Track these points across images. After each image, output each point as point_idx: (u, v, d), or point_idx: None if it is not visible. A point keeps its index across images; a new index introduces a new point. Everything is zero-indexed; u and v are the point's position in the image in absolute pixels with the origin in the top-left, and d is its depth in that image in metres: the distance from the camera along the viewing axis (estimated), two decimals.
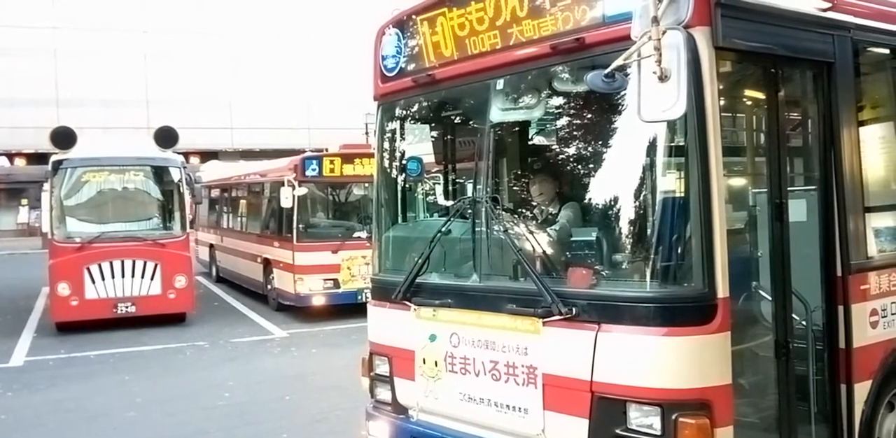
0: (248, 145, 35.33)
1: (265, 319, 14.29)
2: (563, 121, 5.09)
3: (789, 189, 4.47)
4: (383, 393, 5.20)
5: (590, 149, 4.76)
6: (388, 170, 5.70)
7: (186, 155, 17.26)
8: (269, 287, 15.30)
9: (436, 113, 5.56)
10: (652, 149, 3.97)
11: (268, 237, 15.25)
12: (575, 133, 4.93)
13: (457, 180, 5.64)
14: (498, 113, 4.79)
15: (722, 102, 4.03)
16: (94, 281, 13.17)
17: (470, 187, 4.98)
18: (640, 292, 3.96)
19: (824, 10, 4.42)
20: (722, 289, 3.82)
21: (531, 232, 4.58)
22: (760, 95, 4.44)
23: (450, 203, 5.47)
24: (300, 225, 13.78)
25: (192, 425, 7.87)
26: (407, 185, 5.72)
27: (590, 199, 4.58)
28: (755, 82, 4.54)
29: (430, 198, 5.69)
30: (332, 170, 13.93)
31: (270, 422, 7.73)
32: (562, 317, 4.10)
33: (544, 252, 4.49)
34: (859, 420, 4.50)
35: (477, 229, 4.72)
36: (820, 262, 4.53)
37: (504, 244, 4.57)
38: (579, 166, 4.76)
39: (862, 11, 4.73)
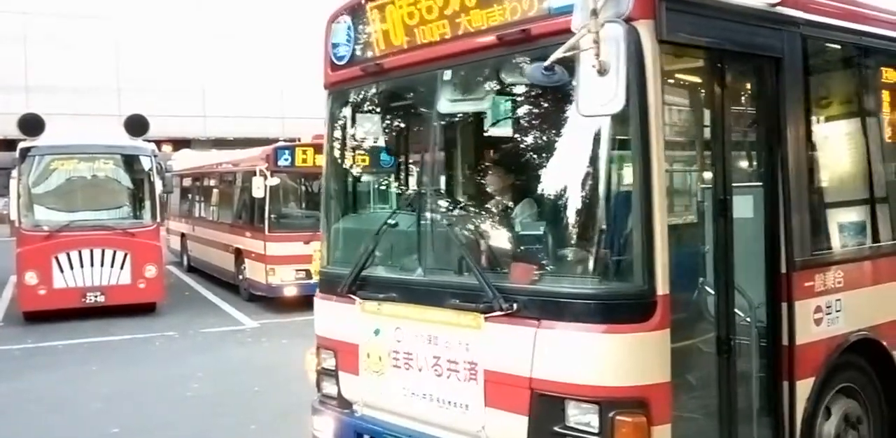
0: (221, 134, 35.00)
1: (236, 309, 14.22)
2: (510, 113, 5.05)
3: (736, 185, 4.44)
4: (329, 388, 5.16)
5: (535, 142, 4.71)
6: (338, 161, 5.63)
7: (158, 143, 17.13)
8: (240, 277, 15.23)
9: (385, 103, 5.48)
10: (593, 143, 3.92)
11: (240, 227, 15.16)
12: (521, 126, 4.88)
13: (406, 172, 5.57)
14: (445, 104, 4.73)
15: (666, 97, 3.99)
16: (62, 271, 13.06)
17: (427, 179, 4.89)
18: (579, 288, 3.93)
19: (773, 5, 4.38)
20: (662, 286, 3.79)
21: (476, 226, 4.55)
22: (706, 90, 4.39)
23: (398, 195, 5.41)
24: (272, 216, 13.71)
25: (160, 416, 7.82)
26: (357, 176, 5.64)
27: (534, 194, 4.55)
28: (701, 77, 4.50)
29: (380, 189, 5.60)
30: (304, 161, 13.86)
31: (239, 414, 7.68)
32: (503, 313, 4.07)
33: (489, 246, 4.45)
34: (801, 417, 4.49)
35: (422, 222, 4.68)
36: (764, 259, 4.50)
37: (448, 237, 4.53)
38: (525, 160, 4.70)
39: (812, 7, 4.69)
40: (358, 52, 5.14)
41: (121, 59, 34.99)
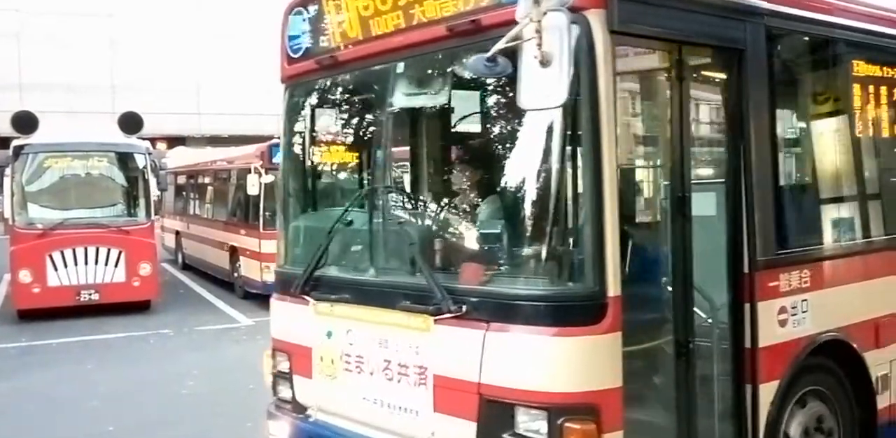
0: (216, 131, 34.77)
1: (231, 307, 14.16)
2: (464, 108, 4.90)
3: (697, 182, 4.31)
4: (284, 392, 5.03)
5: (486, 139, 4.60)
6: (293, 157, 5.50)
7: (153, 140, 17.10)
8: (235, 274, 15.17)
9: (340, 97, 5.33)
10: (542, 140, 3.79)
11: (234, 224, 15.10)
12: (474, 122, 4.75)
13: (361, 168, 5.40)
14: (398, 98, 4.60)
15: (621, 90, 3.86)
16: (56, 269, 13.03)
17: (378, 176, 4.71)
18: (528, 290, 3.80)
19: None
20: (613, 288, 3.66)
21: (428, 225, 4.42)
22: (664, 83, 4.24)
23: (352, 193, 5.24)
24: (267, 213, 13.58)
25: (156, 414, 7.76)
26: (313, 173, 5.50)
27: (484, 192, 4.41)
28: (658, 69, 4.35)
29: (337, 186, 5.45)
30: None
31: (235, 411, 7.58)
32: (451, 315, 3.94)
33: (440, 245, 4.32)
34: (764, 421, 4.33)
35: (374, 220, 4.56)
36: (726, 258, 4.35)
37: (399, 237, 4.41)
38: (476, 156, 4.59)
39: None
40: (313, 45, 5.00)
41: (115, 57, 34.84)
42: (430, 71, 4.56)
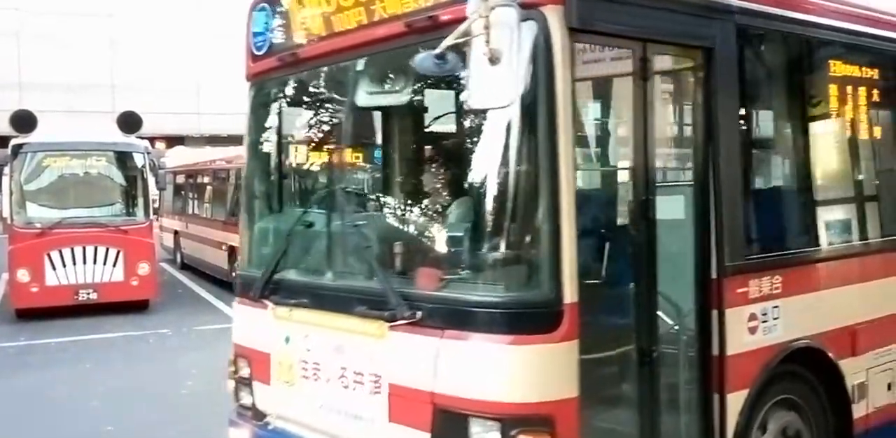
0: (216, 131, 34.51)
1: (230, 307, 14.00)
2: (424, 107, 4.78)
3: (665, 184, 4.18)
4: (245, 398, 4.93)
5: (444, 139, 4.49)
6: (257, 157, 5.39)
7: (152, 140, 17.07)
8: (234, 274, 15.07)
9: (303, 96, 5.21)
10: (498, 140, 3.65)
11: (233, 224, 15.00)
12: (433, 122, 4.62)
13: (321, 169, 5.23)
14: (359, 97, 4.49)
15: (583, 89, 3.74)
16: (54, 268, 13.01)
17: (336, 177, 4.62)
18: (482, 297, 3.67)
19: None
20: (570, 294, 3.54)
21: (387, 228, 4.31)
22: (628, 82, 4.08)
23: (312, 193, 5.13)
24: None
25: (156, 414, 7.71)
26: (276, 173, 5.36)
27: (442, 194, 4.30)
28: (622, 68, 4.20)
29: (299, 187, 5.32)
30: None
31: None
32: (406, 322, 3.82)
33: (398, 249, 4.17)
34: (732, 432, 4.20)
35: (332, 223, 4.45)
36: (694, 263, 4.22)
37: (356, 239, 4.30)
38: (434, 158, 4.48)
39: None
40: (276, 42, 4.90)
41: (115, 57, 34.89)
42: (389, 69, 4.46)
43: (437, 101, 4.59)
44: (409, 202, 4.71)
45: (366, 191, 4.91)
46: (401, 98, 4.62)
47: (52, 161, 13.51)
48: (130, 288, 13.42)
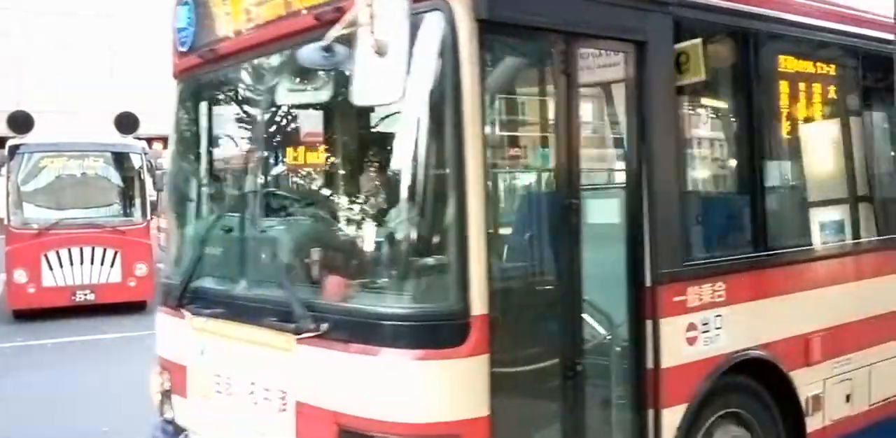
0: None
1: None
2: (338, 105, 4.51)
3: (599, 186, 3.96)
4: (169, 412, 4.75)
5: (354, 140, 4.27)
6: (181, 159, 5.21)
7: (150, 141, 16.98)
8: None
9: (225, 94, 5.02)
10: (406, 141, 3.46)
11: None
12: (346, 121, 4.39)
13: (239, 171, 5.00)
14: (277, 94, 4.30)
15: (499, 85, 3.54)
16: (51, 269, 12.97)
17: (250, 179, 4.38)
18: (387, 308, 3.46)
19: None
20: (479, 305, 3.32)
21: (300, 234, 4.11)
22: (550, 78, 3.84)
23: (228, 197, 4.86)
24: None
25: (153, 415, 7.58)
26: (199, 176, 5.13)
27: (353, 198, 4.10)
28: (544, 63, 3.94)
29: (222, 191, 5.09)
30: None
31: None
32: (313, 334, 3.60)
33: (310, 256, 3.96)
34: None
35: (247, 228, 4.24)
36: (626, 271, 3.99)
37: (268, 246, 4.10)
38: (347, 159, 4.26)
39: None
40: (197, 37, 4.71)
41: (115, 57, 34.77)
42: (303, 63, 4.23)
43: (347, 100, 4.33)
44: (320, 207, 4.47)
45: (280, 194, 4.72)
46: (314, 96, 4.42)
47: (50, 162, 13.48)
48: (128, 289, 13.36)
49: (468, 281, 3.31)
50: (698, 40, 4.22)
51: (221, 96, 5.03)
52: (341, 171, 4.32)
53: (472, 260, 3.31)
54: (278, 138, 4.60)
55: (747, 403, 4.37)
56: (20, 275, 12.87)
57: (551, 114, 3.81)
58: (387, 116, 3.67)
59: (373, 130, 3.94)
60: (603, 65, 4.14)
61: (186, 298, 4.43)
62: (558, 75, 3.75)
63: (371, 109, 3.82)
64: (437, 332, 3.34)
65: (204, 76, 4.86)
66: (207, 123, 5.03)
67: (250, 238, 4.21)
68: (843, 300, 4.86)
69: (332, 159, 4.41)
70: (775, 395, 4.45)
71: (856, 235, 5.13)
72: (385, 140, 3.67)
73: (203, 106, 5.08)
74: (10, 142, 13.38)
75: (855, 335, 4.90)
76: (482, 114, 3.36)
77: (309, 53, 3.29)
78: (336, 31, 3.14)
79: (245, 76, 4.55)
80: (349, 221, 4.07)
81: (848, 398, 4.87)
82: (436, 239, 3.41)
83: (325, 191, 4.50)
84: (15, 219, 13.16)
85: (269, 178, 4.41)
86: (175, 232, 5.13)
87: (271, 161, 4.48)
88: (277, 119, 4.52)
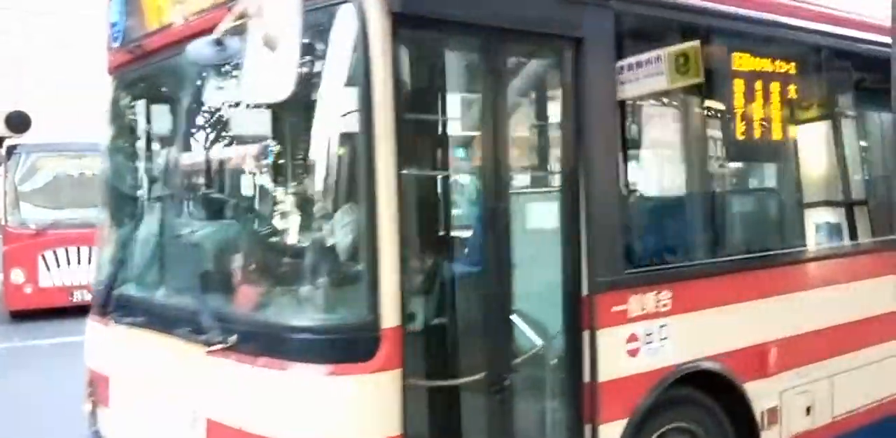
0: None
1: None
2: (259, 104, 4.34)
3: (536, 190, 3.77)
4: (95, 424, 4.56)
5: (273, 143, 4.05)
6: (110, 158, 5.05)
7: None
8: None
9: (149, 91, 4.84)
10: (316, 141, 3.28)
11: None
12: (262, 122, 4.17)
13: (163, 173, 4.81)
14: (192, 92, 4.12)
15: (419, 82, 3.36)
16: (49, 269, 12.91)
17: (172, 182, 4.23)
18: (294, 320, 3.27)
19: None
20: (391, 317, 3.12)
21: (216, 240, 3.93)
22: (476, 77, 3.64)
23: (150, 200, 4.64)
24: None
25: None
26: (128, 177, 4.98)
27: (267, 201, 3.91)
28: (469, 60, 3.76)
29: (141, 192, 4.88)
30: None
31: None
32: (222, 347, 3.41)
33: (223, 264, 3.81)
34: None
35: (167, 233, 4.08)
36: (562, 279, 3.78)
37: (186, 252, 3.95)
38: (264, 163, 4.06)
39: None
40: (127, 33, 4.55)
41: None
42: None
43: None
44: (237, 212, 4.26)
45: (201, 197, 4.53)
46: (232, 95, 4.12)
47: (47, 161, 13.44)
48: None
49: (378, 290, 3.11)
50: (696, 42, 4.02)
51: (149, 94, 4.83)
52: (258, 175, 4.12)
53: (383, 269, 3.12)
54: (198, 140, 4.42)
55: (697, 417, 4.14)
56: (17, 275, 12.83)
57: (476, 114, 3.62)
58: (300, 117, 3.48)
59: (286, 133, 3.75)
60: (537, 62, 3.92)
61: (110, 305, 4.27)
62: (485, 73, 3.56)
63: (286, 109, 3.62)
64: (344, 346, 3.15)
65: (135, 72, 4.68)
66: (136, 122, 4.88)
67: (170, 243, 4.05)
68: (801, 309, 4.60)
69: (249, 163, 4.21)
70: (728, 409, 4.23)
71: (816, 241, 4.89)
72: (296, 143, 3.51)
73: (134, 103, 4.92)
74: (7, 142, 13.35)
75: (815, 345, 4.66)
76: (395, 115, 3.16)
77: (199, 48, 3.11)
78: (226, 23, 2.96)
79: (173, 72, 4.31)
80: (262, 227, 3.88)
81: (808, 410, 4.62)
82: (344, 247, 3.21)
83: (244, 195, 4.29)
84: (12, 219, 13.11)
85: (190, 181, 4.25)
86: (106, 234, 4.96)
87: (190, 164, 4.29)
88: (199, 119, 4.35)
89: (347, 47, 3.13)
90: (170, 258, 4.09)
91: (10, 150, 13.18)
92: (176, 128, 4.21)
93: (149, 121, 4.78)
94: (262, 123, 3.86)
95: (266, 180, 3.85)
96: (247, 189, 4.09)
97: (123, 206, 4.91)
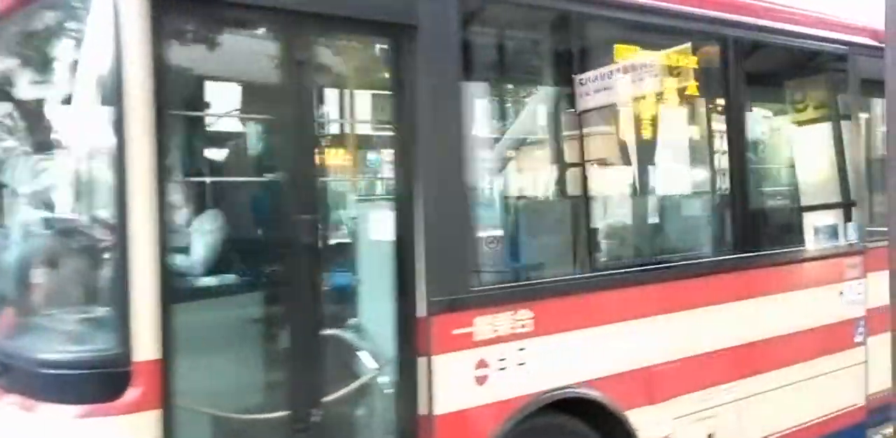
0: None
1: None
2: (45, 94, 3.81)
3: (372, 197, 3.30)
4: None
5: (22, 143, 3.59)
6: None
7: None
8: None
9: None
10: (73, 141, 2.91)
11: None
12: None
13: None
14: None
15: (204, 77, 2.92)
16: None
17: None
18: (41, 352, 2.81)
19: None
20: (145, 349, 2.66)
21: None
22: (277, 69, 3.13)
23: None
24: None
25: None
26: None
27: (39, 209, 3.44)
28: (268, 50, 3.20)
29: None
30: None
31: None
32: None
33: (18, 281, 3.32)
34: None
35: None
36: (395, 299, 3.30)
37: None
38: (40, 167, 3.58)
39: None
40: None
41: None
42: (17, 42, 3.51)
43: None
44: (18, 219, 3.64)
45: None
46: (37, 80, 3.55)
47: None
48: None
49: (128, 318, 2.65)
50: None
51: None
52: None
53: (136, 292, 2.66)
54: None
55: None
56: None
57: (276, 111, 3.16)
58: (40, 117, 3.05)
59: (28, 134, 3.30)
60: (358, 52, 3.45)
61: None
62: (289, 65, 3.08)
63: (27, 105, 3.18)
64: (95, 383, 2.69)
65: None
66: None
67: None
68: (695, 327, 4.08)
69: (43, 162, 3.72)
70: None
71: (712, 251, 4.38)
72: (41, 148, 3.06)
73: None
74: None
75: (716, 367, 4.15)
76: (155, 118, 2.68)
77: None
78: None
79: None
80: (15, 246, 3.39)
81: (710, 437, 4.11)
82: (92, 270, 2.78)
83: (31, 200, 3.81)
84: None
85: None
86: None
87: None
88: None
89: (102, 33, 2.68)
90: None
91: None
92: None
93: None
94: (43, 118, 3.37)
95: (10, 191, 3.37)
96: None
97: None
